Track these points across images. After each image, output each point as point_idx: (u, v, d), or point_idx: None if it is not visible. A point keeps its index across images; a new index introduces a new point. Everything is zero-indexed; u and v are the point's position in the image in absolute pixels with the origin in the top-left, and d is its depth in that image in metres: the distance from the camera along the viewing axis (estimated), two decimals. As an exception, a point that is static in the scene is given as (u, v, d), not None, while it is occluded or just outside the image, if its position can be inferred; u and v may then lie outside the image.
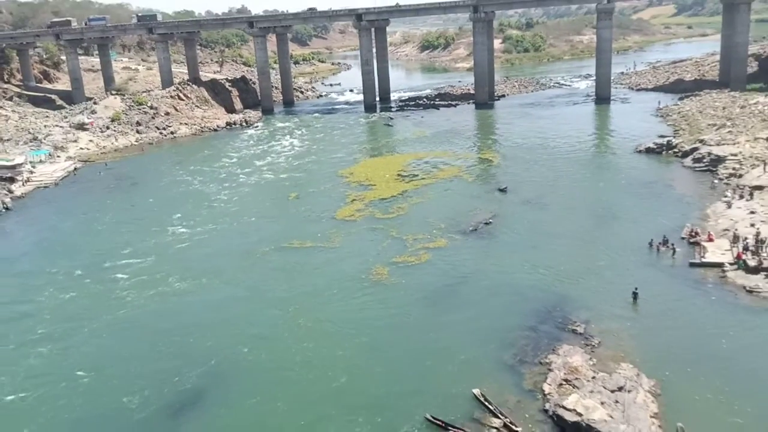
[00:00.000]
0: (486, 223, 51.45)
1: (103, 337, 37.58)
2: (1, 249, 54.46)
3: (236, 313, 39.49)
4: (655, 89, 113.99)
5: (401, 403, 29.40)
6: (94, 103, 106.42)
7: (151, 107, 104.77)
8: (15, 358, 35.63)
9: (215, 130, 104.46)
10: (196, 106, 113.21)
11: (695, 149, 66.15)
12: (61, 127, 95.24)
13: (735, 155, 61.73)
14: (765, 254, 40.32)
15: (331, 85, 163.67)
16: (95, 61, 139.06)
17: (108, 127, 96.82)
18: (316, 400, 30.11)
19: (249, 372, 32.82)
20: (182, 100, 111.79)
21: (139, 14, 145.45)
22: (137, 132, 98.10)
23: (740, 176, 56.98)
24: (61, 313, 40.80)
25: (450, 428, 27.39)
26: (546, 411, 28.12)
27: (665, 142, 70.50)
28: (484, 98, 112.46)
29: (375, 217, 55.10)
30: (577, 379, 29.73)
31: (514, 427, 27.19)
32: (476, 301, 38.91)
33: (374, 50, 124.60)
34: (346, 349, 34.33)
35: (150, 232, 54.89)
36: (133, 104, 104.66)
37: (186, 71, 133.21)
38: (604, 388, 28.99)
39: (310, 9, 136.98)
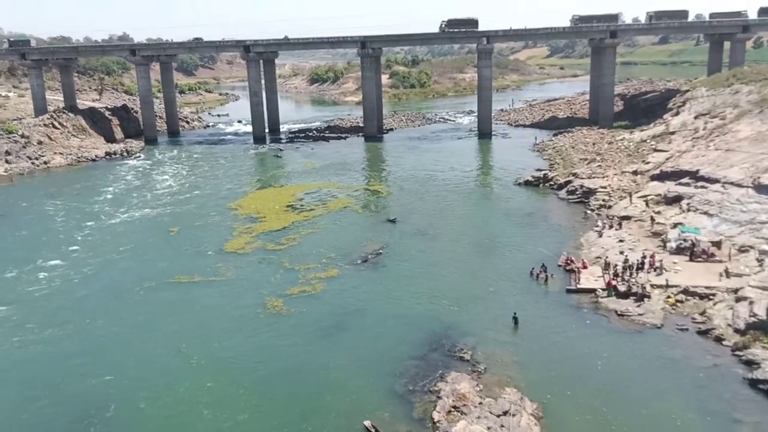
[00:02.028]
0: (377, 254, 52.05)
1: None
2: None
3: (121, 356, 37.09)
4: (532, 125, 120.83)
5: (293, 439, 28.88)
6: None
7: (23, 136, 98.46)
8: None
9: (93, 160, 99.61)
10: (73, 135, 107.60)
11: (569, 182, 70.44)
12: None
13: (604, 188, 66.32)
14: (633, 280, 43.35)
15: (218, 115, 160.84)
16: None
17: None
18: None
19: (142, 419, 30.96)
20: (57, 128, 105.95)
21: (11, 39, 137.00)
22: (6, 162, 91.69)
23: (609, 207, 61.19)
24: None
25: (342, 462, 27.15)
26: (436, 439, 28.52)
27: (542, 176, 74.57)
28: (373, 131, 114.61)
29: (266, 248, 54.29)
30: (464, 405, 30.42)
31: (405, 456, 27.33)
32: (368, 331, 39.11)
33: (263, 82, 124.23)
34: (243, 386, 33.33)
35: (14, 273, 50.79)
36: (1, 132, 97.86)
37: (62, 99, 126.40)
38: (491, 413, 29.85)
39: (196, 39, 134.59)
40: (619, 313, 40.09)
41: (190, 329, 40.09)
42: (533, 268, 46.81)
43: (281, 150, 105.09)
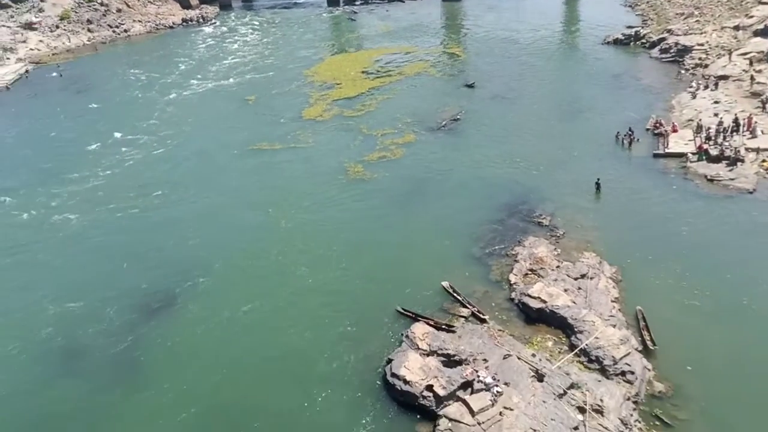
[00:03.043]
0: (454, 119, 51.15)
1: (63, 256, 36.64)
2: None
3: (215, 221, 39.07)
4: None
5: (377, 297, 30.33)
6: (41, 0, 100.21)
7: (102, 4, 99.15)
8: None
9: (171, 27, 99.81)
10: (150, 1, 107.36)
11: (662, 40, 65.56)
12: (8, 27, 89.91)
13: (702, 45, 61.39)
14: (726, 144, 41.05)
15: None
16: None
17: (57, 26, 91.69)
18: (300, 298, 30.98)
19: (243, 277, 33.14)
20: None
21: None
22: (89, 31, 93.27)
23: (706, 66, 56.97)
24: (7, 236, 39.23)
25: (419, 319, 28.34)
26: (512, 300, 29.21)
27: (633, 33, 69.62)
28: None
29: (343, 115, 54.27)
30: (542, 268, 30.72)
31: (481, 315, 28.24)
32: (447, 196, 39.41)
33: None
34: (330, 247, 34.80)
35: (103, 144, 52.65)
36: (82, 1, 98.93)
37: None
38: (568, 276, 30.08)
39: None
40: (708, 177, 38.45)
41: (275, 194, 41.47)
42: (618, 132, 44.97)
43: (355, 12, 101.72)
